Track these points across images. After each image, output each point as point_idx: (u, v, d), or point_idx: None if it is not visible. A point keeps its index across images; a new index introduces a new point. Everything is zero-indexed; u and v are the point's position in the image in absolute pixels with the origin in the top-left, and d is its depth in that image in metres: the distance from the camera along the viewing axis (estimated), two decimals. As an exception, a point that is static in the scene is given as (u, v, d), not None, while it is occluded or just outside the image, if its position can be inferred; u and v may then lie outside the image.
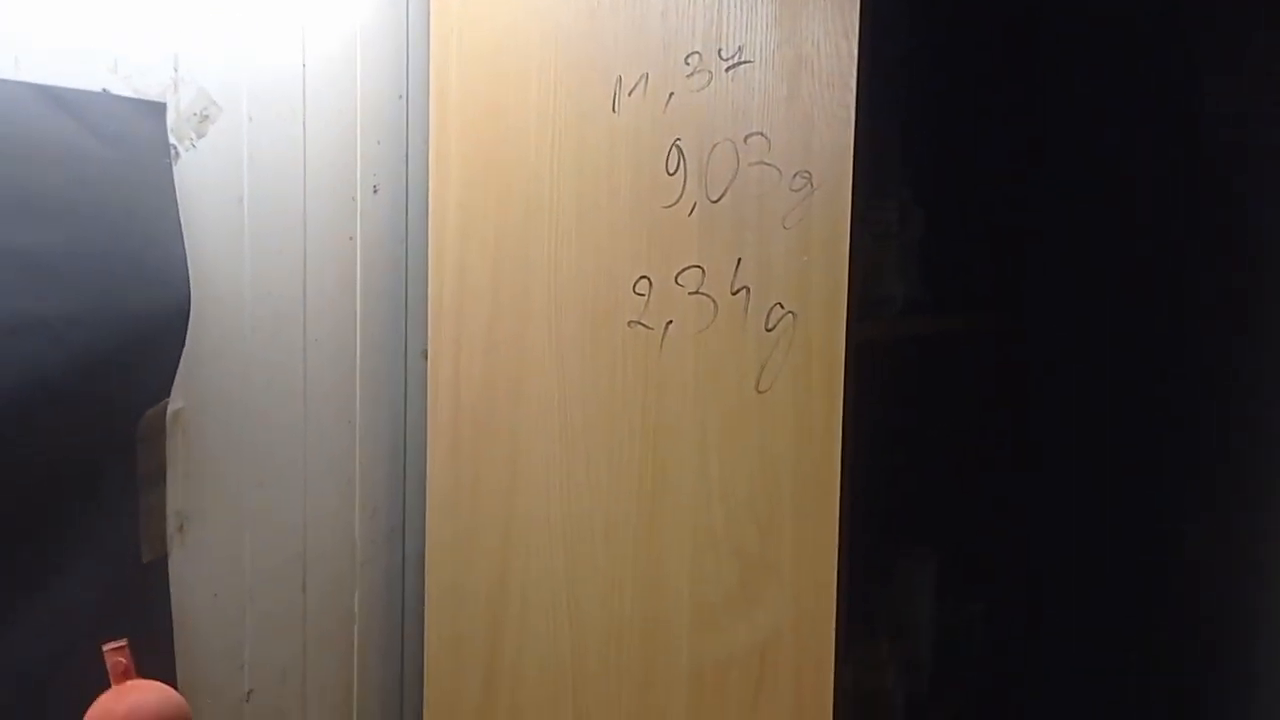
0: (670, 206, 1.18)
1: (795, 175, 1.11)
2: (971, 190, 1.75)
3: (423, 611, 1.39)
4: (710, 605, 1.19)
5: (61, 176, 1.03)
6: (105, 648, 0.96)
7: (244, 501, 1.25)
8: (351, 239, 1.35)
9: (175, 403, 1.14)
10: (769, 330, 1.14)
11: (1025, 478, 1.83)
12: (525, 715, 1.31)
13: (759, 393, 1.15)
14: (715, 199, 1.16)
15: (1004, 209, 1.78)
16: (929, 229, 1.50)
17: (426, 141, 1.34)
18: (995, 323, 1.76)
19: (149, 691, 0.96)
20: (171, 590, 1.15)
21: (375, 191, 1.37)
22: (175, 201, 1.12)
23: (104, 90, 1.06)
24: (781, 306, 1.13)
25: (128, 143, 1.07)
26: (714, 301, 1.17)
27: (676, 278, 1.19)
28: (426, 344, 1.36)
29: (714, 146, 1.15)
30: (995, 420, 1.82)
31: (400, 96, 1.39)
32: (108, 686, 0.97)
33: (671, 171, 1.18)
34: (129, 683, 0.96)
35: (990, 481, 1.81)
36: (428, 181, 1.34)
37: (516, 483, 1.30)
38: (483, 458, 1.32)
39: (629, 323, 1.22)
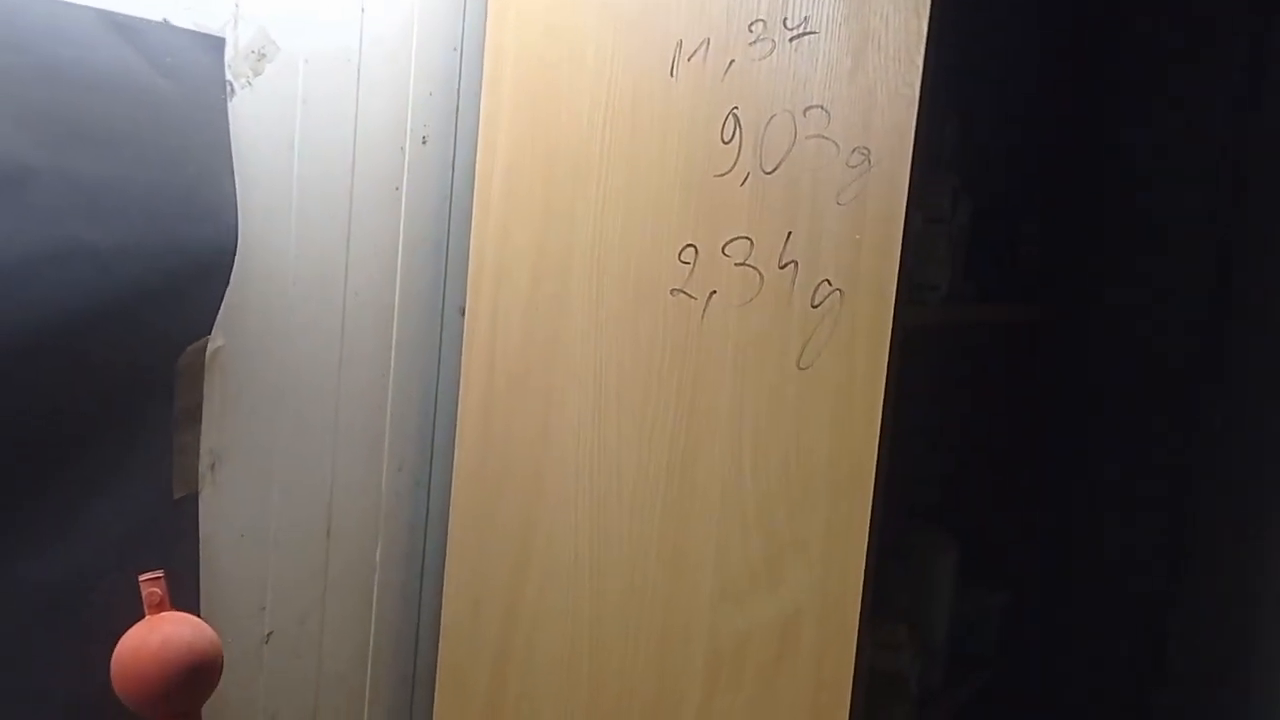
0: (723, 175, 1.17)
1: (853, 151, 1.10)
2: (1019, 180, 1.74)
3: (443, 568, 1.39)
4: (734, 579, 1.19)
5: (117, 104, 1.02)
6: (142, 578, 0.96)
7: (275, 445, 1.25)
8: (397, 189, 1.34)
9: (215, 340, 1.14)
10: (815, 307, 1.13)
11: (1054, 471, 1.82)
12: (540, 676, 1.31)
13: (800, 369, 1.15)
14: (769, 170, 1.15)
15: (1049, 201, 1.77)
16: (975, 217, 1.49)
17: (478, 96, 1.33)
18: (1035, 315, 1.75)
19: (183, 624, 0.96)
20: (200, 528, 1.15)
21: (424, 143, 1.36)
22: (229, 138, 1.11)
23: (165, 20, 1.06)
24: (829, 283, 1.12)
25: (185, 75, 1.07)
26: (760, 274, 1.16)
27: (724, 248, 1.18)
28: (465, 300, 1.35)
29: (772, 117, 1.14)
30: (1027, 412, 1.81)
31: (455, 49, 1.38)
32: (139, 617, 0.97)
33: (726, 140, 1.17)
34: (163, 614, 0.96)
35: (1019, 473, 1.81)
36: (477, 136, 1.33)
37: (546, 445, 1.30)
38: (514, 418, 1.32)
39: (672, 291, 1.21)
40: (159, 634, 0.94)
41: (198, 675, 0.94)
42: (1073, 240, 1.79)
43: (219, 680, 0.98)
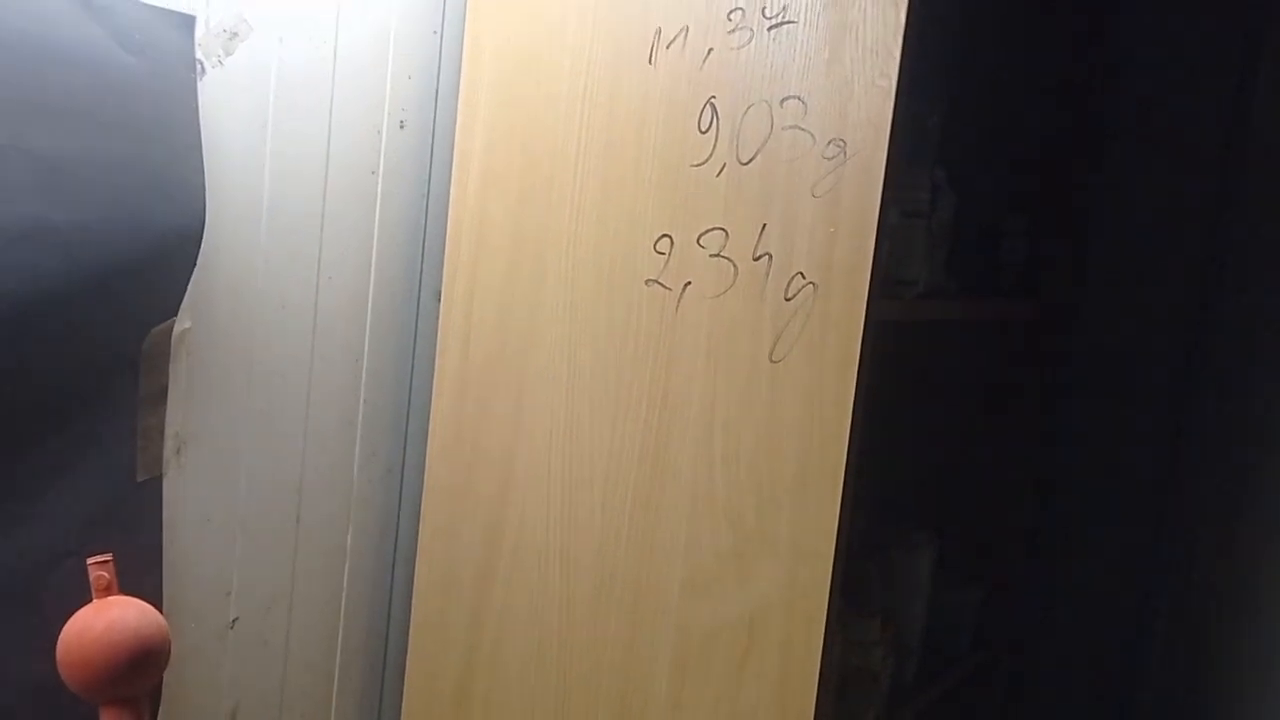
0: (699, 165, 1.16)
1: (829, 143, 1.09)
2: (1005, 177, 1.73)
3: (414, 554, 1.38)
4: (703, 571, 1.18)
5: (82, 82, 1.00)
6: (89, 561, 0.95)
7: (244, 429, 1.24)
8: (374, 173, 1.33)
9: (182, 323, 1.12)
10: (788, 300, 1.12)
11: (1033, 469, 1.82)
12: (509, 665, 1.30)
13: (772, 362, 1.14)
14: (745, 161, 1.13)
15: (1037, 197, 1.75)
16: (959, 213, 1.47)
17: (458, 80, 1.32)
18: (1015, 312, 1.74)
19: (129, 608, 0.95)
20: (164, 512, 1.14)
21: (402, 127, 1.35)
22: (197, 118, 1.09)
23: (133, -3, 1.04)
24: (803, 276, 1.11)
25: (153, 54, 1.05)
26: (735, 266, 1.15)
27: (699, 239, 1.17)
28: (440, 286, 1.34)
29: (749, 107, 1.13)
30: (1006, 409, 1.80)
31: (435, 32, 1.36)
32: (90, 600, 0.96)
33: (704, 130, 1.15)
34: (110, 598, 0.95)
35: (999, 470, 1.80)
36: (455, 121, 1.32)
37: (519, 432, 1.29)
38: (487, 404, 1.31)
39: (647, 281, 1.20)
40: (104, 618, 0.93)
41: (143, 660, 0.93)
42: (1060, 237, 1.78)
43: (166, 666, 0.97)
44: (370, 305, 1.36)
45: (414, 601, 1.38)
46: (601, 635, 1.24)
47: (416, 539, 1.38)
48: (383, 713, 1.46)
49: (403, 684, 1.40)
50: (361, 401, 1.37)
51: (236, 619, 1.25)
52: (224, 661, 1.25)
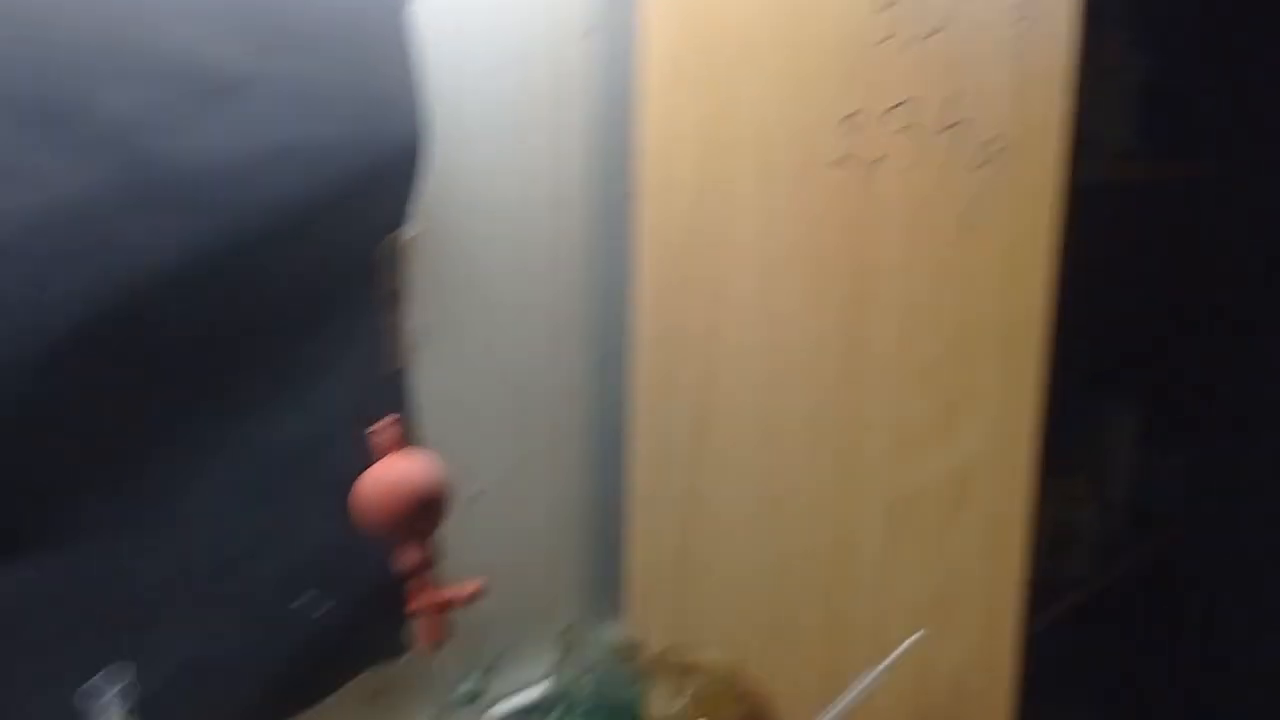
0: (881, 43, 1.19)
1: (1014, 7, 1.10)
2: (1198, 35, 1.67)
3: (627, 438, 1.48)
4: (909, 433, 1.23)
5: (312, 13, 1.11)
6: (381, 423, 1.09)
7: (473, 323, 1.35)
8: (569, 81, 1.41)
9: (412, 230, 1.24)
10: (980, 167, 1.15)
11: (1236, 332, 1.78)
12: (726, 531, 1.40)
13: (967, 229, 1.16)
14: (928, 34, 1.15)
15: (1231, 56, 1.69)
16: (1152, 73, 1.45)
17: (643, -17, 1.37)
18: (1212, 171, 1.69)
19: (417, 458, 1.09)
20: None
21: (591, 34, 1.42)
22: (411, 39, 1.19)
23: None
24: (993, 143, 1.13)
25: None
26: (924, 137, 1.18)
27: (886, 114, 1.20)
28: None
29: (932, -21, 1.14)
30: (1210, 273, 1.76)
31: (619, -63, 1.42)
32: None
33: (885, 6, 1.18)
34: (399, 451, 1.09)
35: (1202, 334, 1.77)
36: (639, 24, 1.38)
37: (719, 315, 1.36)
38: (687, 293, 1.38)
39: (837, 160, 1.24)
40: (398, 467, 1.07)
41: (433, 500, 1.08)
42: (1259, 96, 1.71)
43: (450, 507, 1.11)
44: (577, 205, 1.45)
45: (630, 474, 1.48)
46: (812, 498, 1.32)
47: (629, 423, 1.48)
48: (607, 577, 1.58)
49: (623, 555, 1.51)
50: (573, 296, 1.47)
51: (481, 491, 1.39)
52: (471, 530, 1.38)
